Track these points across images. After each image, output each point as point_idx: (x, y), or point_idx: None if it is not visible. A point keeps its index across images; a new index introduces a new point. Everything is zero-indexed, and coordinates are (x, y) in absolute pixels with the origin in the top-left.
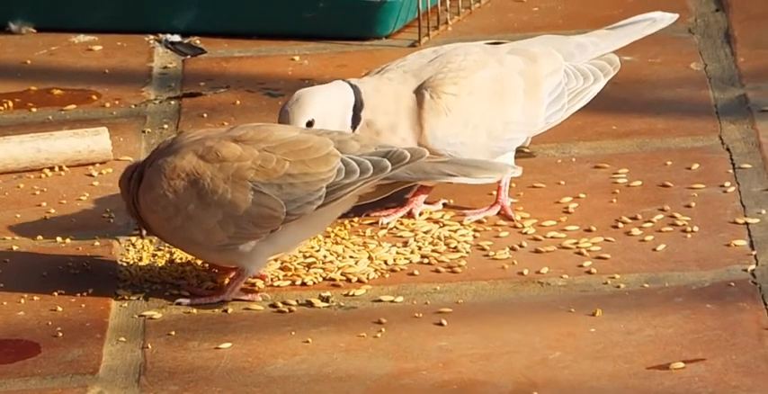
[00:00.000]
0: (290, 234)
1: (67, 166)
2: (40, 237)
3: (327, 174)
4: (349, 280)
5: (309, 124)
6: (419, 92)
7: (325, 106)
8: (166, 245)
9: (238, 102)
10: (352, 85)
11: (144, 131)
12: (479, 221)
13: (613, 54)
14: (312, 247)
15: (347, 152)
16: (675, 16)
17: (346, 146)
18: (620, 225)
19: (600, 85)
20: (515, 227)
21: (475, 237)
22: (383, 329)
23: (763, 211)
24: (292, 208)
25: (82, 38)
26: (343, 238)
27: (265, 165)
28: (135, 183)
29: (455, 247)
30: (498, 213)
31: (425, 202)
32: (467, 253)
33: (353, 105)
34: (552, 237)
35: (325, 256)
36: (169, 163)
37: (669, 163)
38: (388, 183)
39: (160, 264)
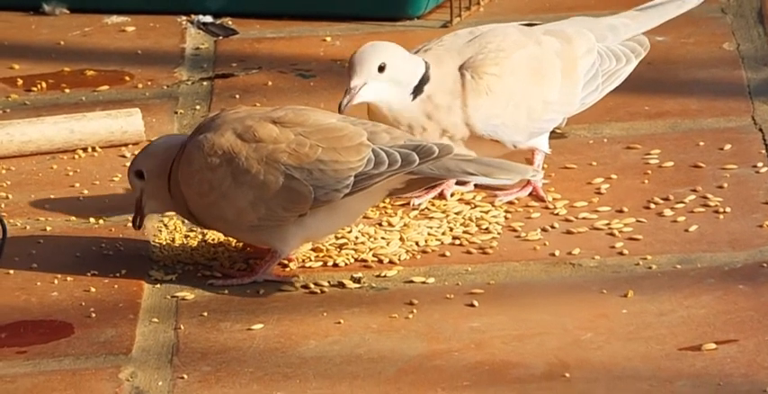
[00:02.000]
0: (319, 220)
1: (100, 147)
2: (73, 218)
3: (357, 163)
4: (381, 261)
5: (381, 69)
6: (460, 72)
7: (399, 57)
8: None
9: (270, 83)
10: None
11: (176, 112)
12: (511, 202)
13: (643, 35)
14: (344, 228)
15: (378, 143)
16: None
17: (377, 137)
18: (652, 206)
19: (632, 66)
20: (547, 208)
21: (506, 218)
22: (415, 310)
23: None
24: (320, 194)
25: (115, 19)
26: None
27: (299, 149)
28: (177, 157)
29: (486, 228)
30: (530, 194)
31: (457, 183)
32: (498, 234)
33: (421, 77)
34: (584, 218)
35: (356, 237)
36: (209, 139)
37: (701, 143)
38: (418, 179)
39: (192, 245)
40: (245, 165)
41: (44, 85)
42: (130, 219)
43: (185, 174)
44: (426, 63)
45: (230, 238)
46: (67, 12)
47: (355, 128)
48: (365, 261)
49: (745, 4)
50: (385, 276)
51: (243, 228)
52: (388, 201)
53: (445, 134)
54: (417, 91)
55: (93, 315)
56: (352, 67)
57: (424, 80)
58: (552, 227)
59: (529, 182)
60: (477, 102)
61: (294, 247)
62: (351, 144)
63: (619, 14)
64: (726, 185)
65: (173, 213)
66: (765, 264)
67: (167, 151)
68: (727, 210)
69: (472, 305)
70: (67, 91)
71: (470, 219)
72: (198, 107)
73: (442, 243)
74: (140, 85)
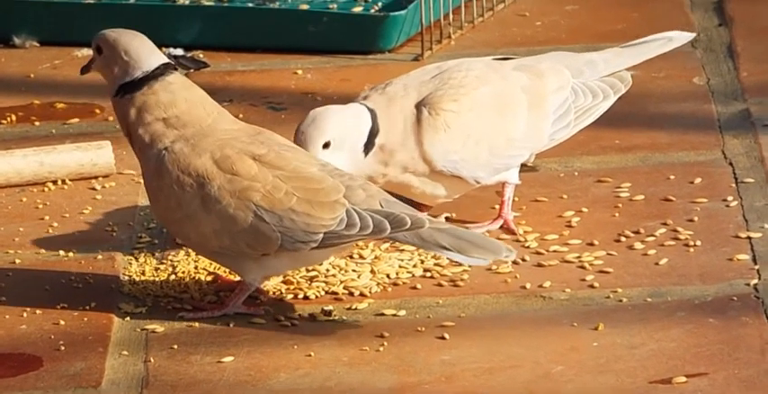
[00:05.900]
0: (281, 262)
1: (70, 180)
2: (42, 251)
3: (329, 221)
4: (351, 293)
5: (326, 146)
6: (418, 108)
7: (343, 128)
8: (169, 259)
9: (242, 115)
10: (369, 109)
11: None
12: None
13: (625, 71)
14: None
15: (353, 200)
16: (692, 35)
17: (353, 194)
18: (623, 239)
19: (609, 102)
20: (518, 240)
21: None
22: (386, 343)
23: (766, 226)
24: (287, 243)
25: (85, 52)
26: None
27: (274, 193)
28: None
29: (458, 261)
30: (501, 227)
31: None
32: (469, 266)
33: (369, 130)
34: (555, 251)
35: (327, 270)
36: (186, 156)
37: (672, 177)
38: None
39: (162, 278)
40: (216, 194)
41: (14, 117)
42: (100, 251)
43: (153, 186)
44: (372, 112)
45: (199, 273)
46: (37, 44)
47: (333, 182)
48: (336, 293)
49: (714, 38)
50: (356, 309)
51: (205, 251)
52: None
53: (407, 171)
54: (369, 145)
55: (63, 348)
56: (298, 144)
57: (373, 133)
58: (523, 259)
59: (500, 215)
60: (434, 137)
61: (263, 280)
62: (327, 200)
63: (603, 51)
64: (696, 219)
65: (143, 246)
66: (735, 298)
67: None
68: (698, 243)
69: (443, 338)
70: (37, 123)
71: None
72: None
73: (414, 275)
74: (111, 118)
